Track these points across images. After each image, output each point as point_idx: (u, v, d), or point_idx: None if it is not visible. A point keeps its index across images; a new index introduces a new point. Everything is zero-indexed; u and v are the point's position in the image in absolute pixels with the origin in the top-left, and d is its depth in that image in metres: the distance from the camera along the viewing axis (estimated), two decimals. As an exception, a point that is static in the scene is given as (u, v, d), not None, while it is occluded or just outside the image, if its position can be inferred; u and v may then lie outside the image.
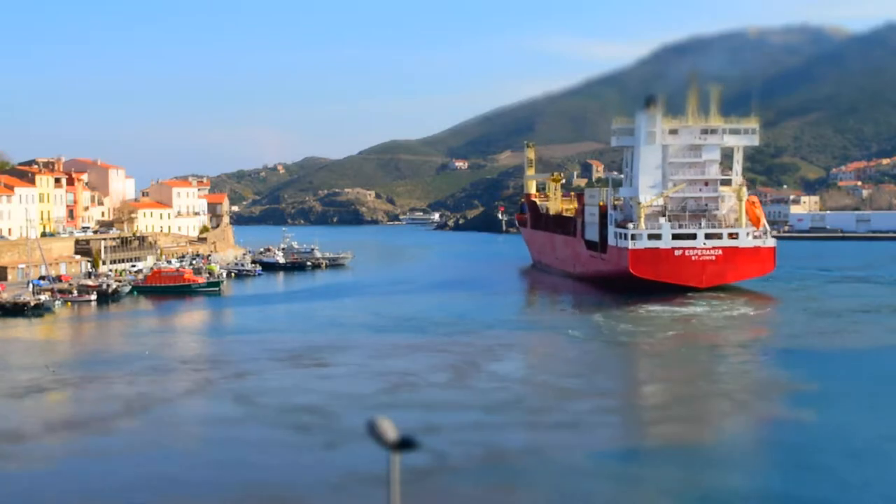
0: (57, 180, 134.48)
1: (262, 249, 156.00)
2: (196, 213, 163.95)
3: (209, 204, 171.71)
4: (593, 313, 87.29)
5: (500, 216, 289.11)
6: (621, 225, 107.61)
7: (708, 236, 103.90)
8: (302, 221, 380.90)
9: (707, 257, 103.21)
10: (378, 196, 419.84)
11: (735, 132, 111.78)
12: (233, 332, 78.48)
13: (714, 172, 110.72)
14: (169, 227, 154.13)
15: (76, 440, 42.75)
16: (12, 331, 78.82)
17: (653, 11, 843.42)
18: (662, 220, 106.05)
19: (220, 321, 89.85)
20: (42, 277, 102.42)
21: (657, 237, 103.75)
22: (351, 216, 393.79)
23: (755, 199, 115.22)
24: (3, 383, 55.21)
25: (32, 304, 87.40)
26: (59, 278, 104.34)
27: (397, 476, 12.00)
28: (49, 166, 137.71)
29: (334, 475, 36.38)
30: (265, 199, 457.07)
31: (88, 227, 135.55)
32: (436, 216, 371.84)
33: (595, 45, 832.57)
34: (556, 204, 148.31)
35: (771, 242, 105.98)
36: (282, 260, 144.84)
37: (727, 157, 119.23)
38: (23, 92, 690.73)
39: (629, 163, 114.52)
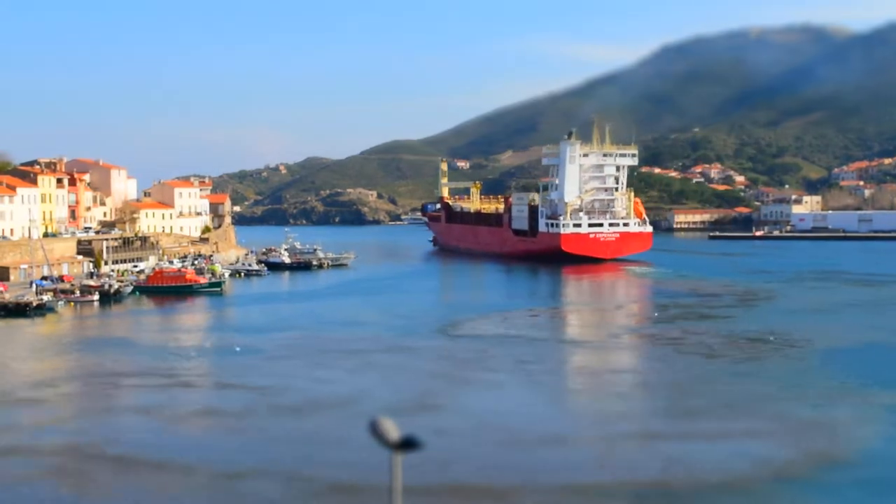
0: (59, 181, 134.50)
1: (264, 250, 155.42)
2: (198, 214, 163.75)
3: (211, 204, 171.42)
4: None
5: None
6: (552, 217, 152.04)
7: (610, 225, 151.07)
8: (304, 221, 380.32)
9: (610, 239, 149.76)
10: (380, 196, 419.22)
11: (623, 155, 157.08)
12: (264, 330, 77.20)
13: (611, 182, 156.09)
14: (171, 228, 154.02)
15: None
16: (15, 330, 78.77)
17: (654, 14, 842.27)
18: (581, 214, 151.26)
19: (248, 320, 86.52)
20: (44, 278, 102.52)
21: (579, 225, 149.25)
22: (353, 216, 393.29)
23: (639, 200, 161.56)
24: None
25: (35, 304, 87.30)
26: (61, 279, 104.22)
27: (399, 477, 11.94)
28: (51, 167, 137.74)
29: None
30: (267, 199, 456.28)
31: (90, 228, 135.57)
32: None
33: (596, 49, 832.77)
34: (476, 204, 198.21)
35: (649, 229, 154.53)
36: (287, 260, 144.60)
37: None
38: (24, 92, 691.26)
39: (556, 175, 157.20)
